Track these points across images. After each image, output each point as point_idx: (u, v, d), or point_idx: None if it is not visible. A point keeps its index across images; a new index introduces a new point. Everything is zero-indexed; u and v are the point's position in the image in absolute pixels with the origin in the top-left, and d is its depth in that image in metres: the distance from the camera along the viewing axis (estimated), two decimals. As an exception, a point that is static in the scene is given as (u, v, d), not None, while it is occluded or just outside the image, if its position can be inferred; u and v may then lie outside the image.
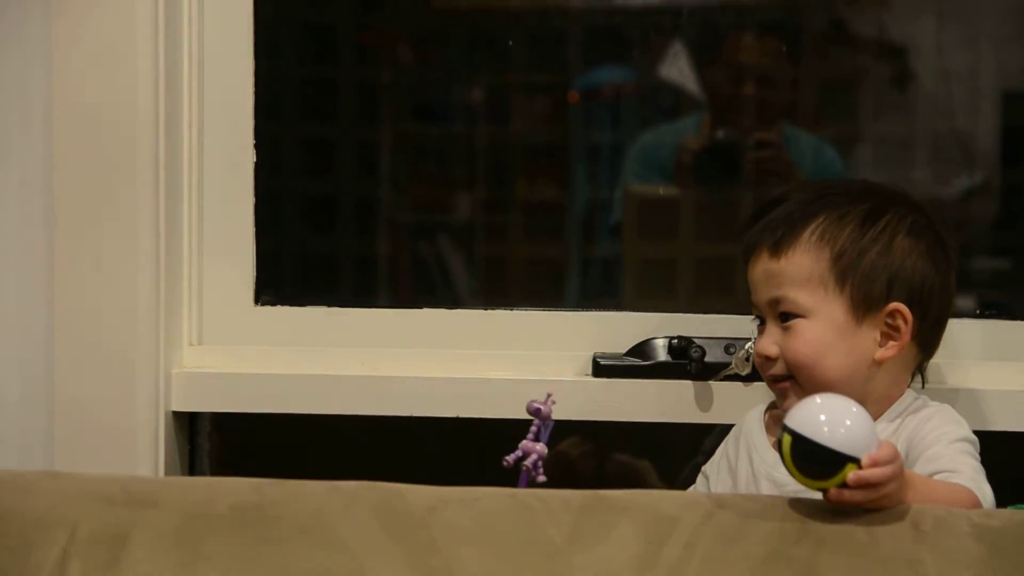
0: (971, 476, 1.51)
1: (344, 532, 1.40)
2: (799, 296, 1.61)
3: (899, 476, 1.39)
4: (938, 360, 1.75)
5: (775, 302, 1.63)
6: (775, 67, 2.18)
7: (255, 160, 1.98)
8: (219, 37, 1.95)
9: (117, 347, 1.88)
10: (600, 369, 1.91)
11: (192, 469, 1.99)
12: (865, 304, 1.61)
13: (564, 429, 1.88)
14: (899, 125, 2.20)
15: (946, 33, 2.17)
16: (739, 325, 1.85)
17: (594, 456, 2.01)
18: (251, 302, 1.99)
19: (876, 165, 2.21)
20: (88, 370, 1.88)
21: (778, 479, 1.58)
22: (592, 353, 1.92)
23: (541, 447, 1.58)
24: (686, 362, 1.88)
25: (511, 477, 1.57)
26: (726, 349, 1.88)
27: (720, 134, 2.17)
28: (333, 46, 2.26)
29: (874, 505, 1.39)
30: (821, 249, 1.62)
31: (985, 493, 1.50)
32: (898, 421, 1.62)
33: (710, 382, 1.88)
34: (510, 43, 2.21)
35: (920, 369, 1.70)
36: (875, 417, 1.48)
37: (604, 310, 1.99)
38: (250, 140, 1.97)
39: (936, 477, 1.51)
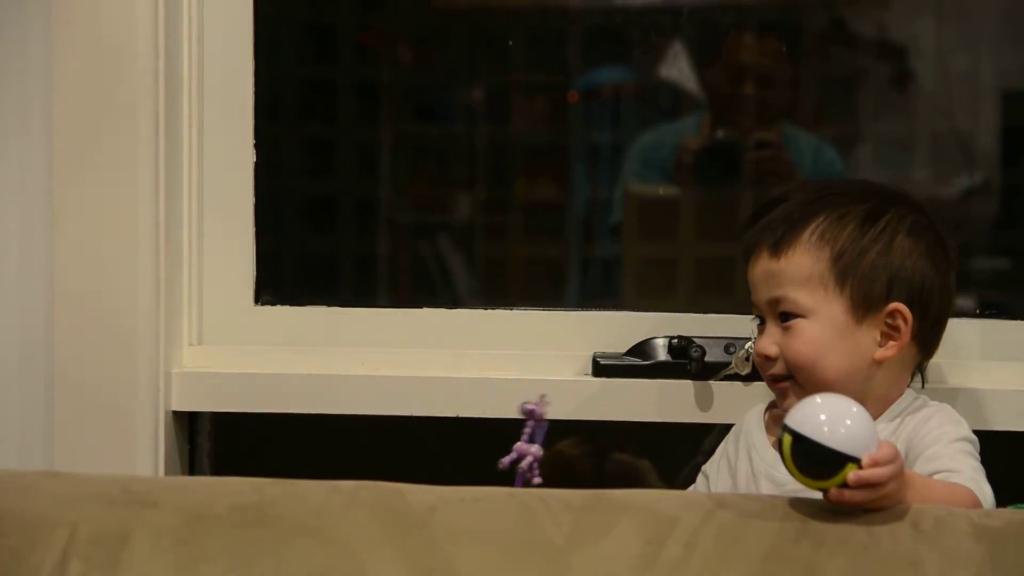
0: (971, 476, 1.51)
1: (344, 532, 1.40)
2: (799, 296, 1.61)
3: (899, 476, 1.39)
4: (938, 360, 1.75)
5: (775, 302, 1.63)
6: (775, 67, 2.18)
7: (255, 160, 1.98)
8: (219, 37, 1.95)
9: (117, 347, 1.88)
10: (600, 369, 1.91)
11: (192, 469, 1.99)
12: (865, 304, 1.61)
13: (564, 429, 1.88)
14: (899, 125, 2.20)
15: (946, 33, 2.17)
16: (739, 325, 1.84)
17: (594, 456, 2.01)
18: (251, 302, 1.99)
19: (876, 165, 2.21)
20: (88, 370, 1.88)
21: (778, 479, 1.58)
22: (592, 353, 1.92)
23: (536, 449, 1.57)
24: (686, 362, 1.88)
25: (511, 477, 1.57)
26: (726, 349, 1.88)
27: (720, 134, 2.17)
28: (333, 46, 2.27)
29: (874, 505, 1.39)
30: (821, 249, 1.62)
31: (985, 493, 1.50)
32: (898, 421, 1.62)
33: (710, 382, 1.88)
34: (510, 43, 2.21)
35: (920, 369, 1.70)
36: (875, 417, 1.47)
37: (604, 310, 1.99)
38: (250, 140, 1.97)
39: (936, 477, 1.51)
